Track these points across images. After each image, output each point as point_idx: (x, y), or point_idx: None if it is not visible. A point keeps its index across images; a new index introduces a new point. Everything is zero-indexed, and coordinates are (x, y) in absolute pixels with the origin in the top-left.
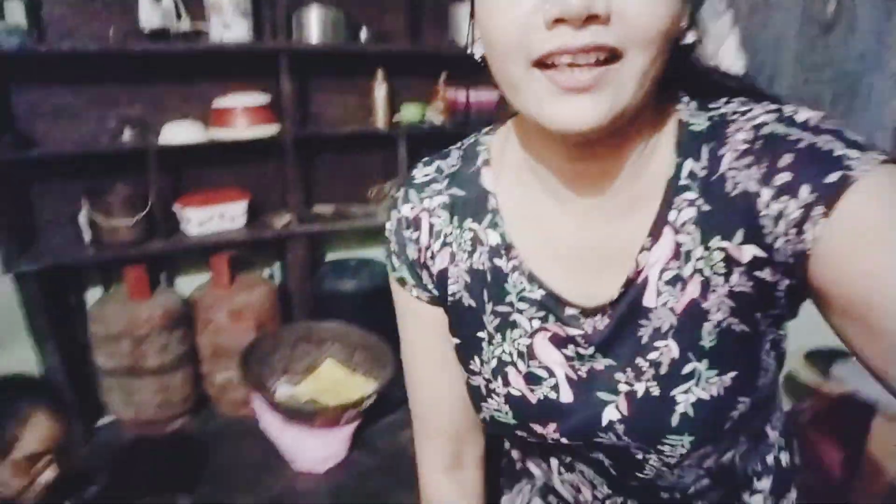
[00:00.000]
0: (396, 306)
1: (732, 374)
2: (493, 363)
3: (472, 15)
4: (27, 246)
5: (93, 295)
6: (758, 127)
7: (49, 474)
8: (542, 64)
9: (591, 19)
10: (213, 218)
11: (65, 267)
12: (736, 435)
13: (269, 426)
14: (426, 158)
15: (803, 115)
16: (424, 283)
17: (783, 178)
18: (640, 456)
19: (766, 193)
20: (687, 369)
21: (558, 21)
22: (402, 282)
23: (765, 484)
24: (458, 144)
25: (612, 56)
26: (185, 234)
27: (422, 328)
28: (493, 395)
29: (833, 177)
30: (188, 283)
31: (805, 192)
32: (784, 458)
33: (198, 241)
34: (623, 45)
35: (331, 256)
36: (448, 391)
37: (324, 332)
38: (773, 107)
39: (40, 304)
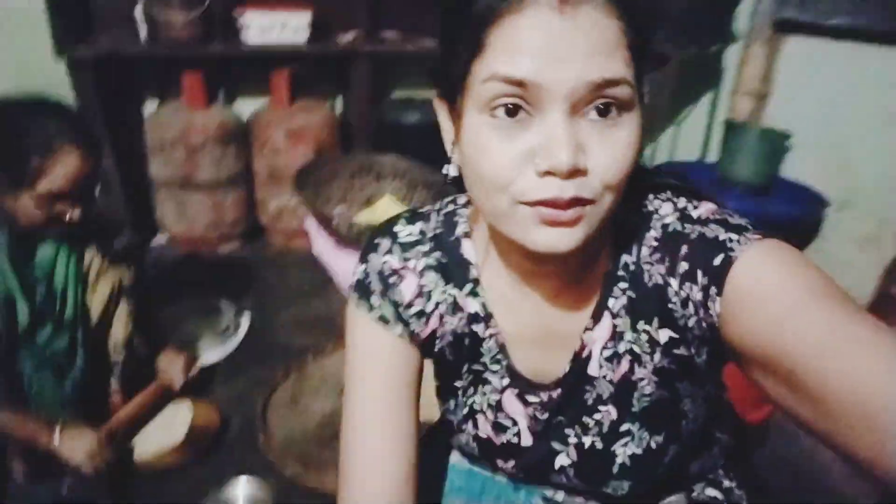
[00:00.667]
0: (356, 348)
1: (661, 432)
2: (465, 410)
3: (455, 139)
4: (83, 36)
5: (150, 107)
6: (665, 226)
7: (76, 213)
8: (528, 201)
9: (576, 173)
10: (274, 27)
11: (121, 60)
12: (669, 474)
13: (321, 249)
14: (406, 214)
15: (699, 210)
16: (411, 327)
17: (683, 267)
18: (585, 497)
19: (674, 283)
20: (623, 428)
21: (547, 173)
22: (382, 320)
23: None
24: (437, 207)
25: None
26: (245, 42)
27: (388, 373)
28: (463, 433)
29: (718, 260)
30: (247, 105)
31: (700, 276)
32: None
33: (258, 49)
34: (598, 191)
35: (396, 96)
36: (396, 445)
37: (384, 166)
38: (680, 205)
39: (95, 98)
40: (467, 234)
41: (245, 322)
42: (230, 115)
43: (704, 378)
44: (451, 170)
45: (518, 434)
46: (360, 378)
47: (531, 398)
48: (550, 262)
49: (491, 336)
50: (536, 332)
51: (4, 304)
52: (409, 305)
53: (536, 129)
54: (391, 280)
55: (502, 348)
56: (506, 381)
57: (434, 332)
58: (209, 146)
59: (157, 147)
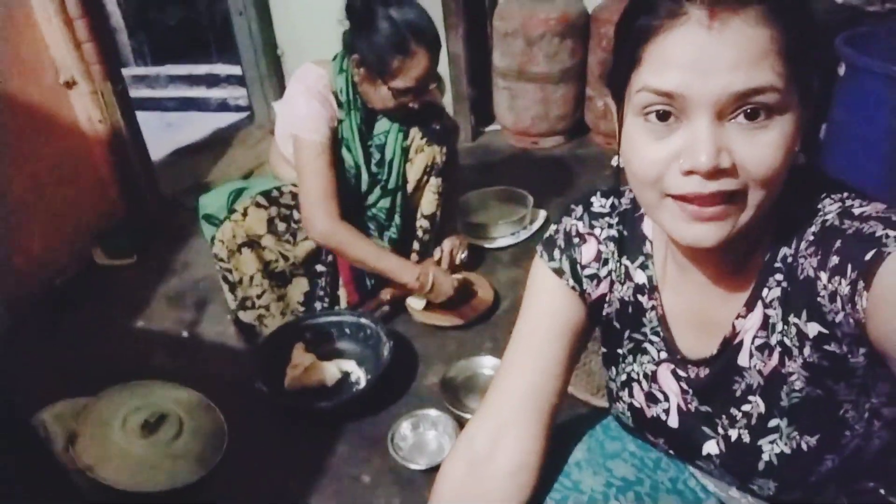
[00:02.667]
0: (532, 286)
1: (814, 433)
2: (623, 377)
3: (619, 131)
4: None
5: None
6: (824, 222)
7: (416, 104)
8: (674, 195)
9: (718, 172)
10: None
11: None
12: (826, 485)
13: None
14: (604, 190)
15: (862, 208)
16: (583, 285)
17: (834, 260)
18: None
19: (823, 276)
20: (772, 423)
21: (691, 172)
22: (558, 272)
23: None
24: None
25: (735, 193)
26: None
27: (553, 312)
28: (621, 401)
29: (869, 254)
30: (594, 0)
31: (849, 270)
32: None
33: None
34: (746, 186)
35: None
36: (541, 375)
37: None
38: (846, 203)
39: None
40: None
41: (542, 216)
42: (574, 7)
43: (867, 385)
44: (616, 161)
45: (667, 411)
46: (528, 313)
47: (682, 372)
48: (705, 251)
49: (653, 308)
50: (694, 313)
51: (353, 171)
52: (586, 266)
53: (683, 132)
54: (575, 241)
55: (662, 321)
56: (663, 353)
57: (604, 296)
58: (547, 39)
59: (501, 36)
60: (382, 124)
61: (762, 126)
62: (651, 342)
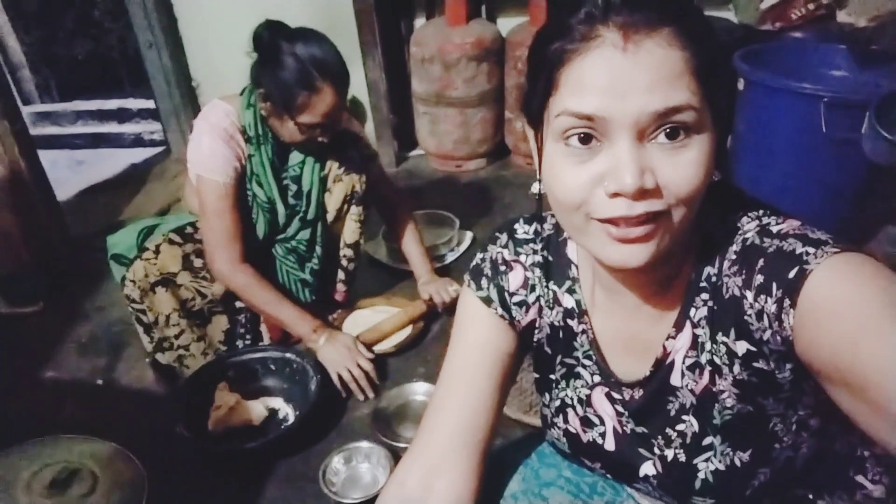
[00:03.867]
0: (462, 316)
1: (747, 449)
2: (557, 402)
3: (539, 157)
4: None
5: (419, 24)
6: (745, 240)
7: (325, 137)
8: (600, 218)
9: (644, 193)
10: None
11: None
12: (760, 498)
13: None
14: (527, 216)
15: (779, 226)
16: (512, 312)
17: (758, 279)
18: None
19: (749, 295)
20: (706, 442)
21: (616, 195)
22: (486, 301)
23: None
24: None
25: (659, 212)
26: None
27: (483, 343)
28: (555, 427)
29: (793, 272)
30: (507, 24)
31: (774, 288)
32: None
33: None
34: (669, 206)
35: None
36: (473, 410)
37: None
38: (763, 221)
39: (373, 14)
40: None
41: (468, 238)
42: (489, 30)
43: (794, 398)
44: (537, 188)
45: (603, 435)
46: (458, 345)
47: (616, 395)
48: (632, 273)
49: (584, 332)
50: (624, 335)
51: (268, 205)
52: (514, 294)
53: (606, 155)
54: (501, 269)
55: (593, 345)
56: (596, 377)
57: (533, 322)
58: (463, 63)
59: (418, 63)
60: (297, 155)
61: (682, 145)
62: (584, 366)
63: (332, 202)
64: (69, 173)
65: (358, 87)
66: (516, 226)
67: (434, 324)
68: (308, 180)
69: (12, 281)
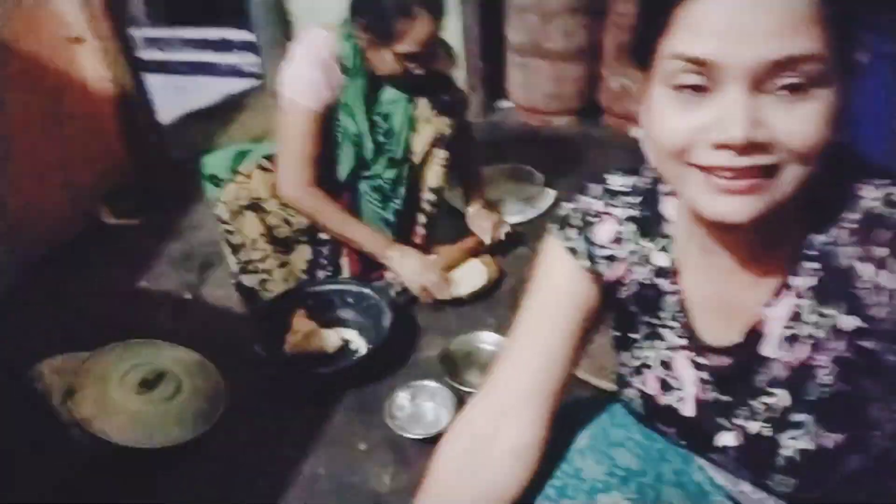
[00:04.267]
0: (544, 266)
1: (840, 431)
2: (636, 363)
3: (644, 106)
4: None
5: None
6: (866, 210)
7: (421, 69)
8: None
9: (752, 147)
10: None
11: None
12: (847, 485)
13: None
14: (624, 168)
15: None
16: (599, 266)
17: (881, 252)
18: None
19: (868, 269)
20: (796, 418)
21: (722, 146)
22: (572, 252)
23: None
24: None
25: (769, 167)
26: None
27: (564, 295)
28: (632, 387)
29: None
30: None
31: None
32: None
33: None
34: (781, 162)
35: None
36: (548, 358)
37: None
38: (890, 191)
39: None
40: (672, 193)
41: (551, 196)
42: None
43: None
44: (638, 132)
45: (682, 400)
46: (538, 293)
47: (702, 360)
48: (733, 231)
49: (673, 293)
50: (717, 299)
51: (356, 139)
52: (603, 247)
53: (715, 103)
54: (592, 220)
55: (682, 306)
56: (680, 340)
57: (620, 279)
58: (561, 15)
59: (515, 10)
60: (390, 93)
61: (802, 98)
62: (669, 328)
63: (419, 143)
64: (171, 97)
65: (452, 34)
66: (611, 177)
67: (508, 278)
68: (399, 119)
69: (118, 194)
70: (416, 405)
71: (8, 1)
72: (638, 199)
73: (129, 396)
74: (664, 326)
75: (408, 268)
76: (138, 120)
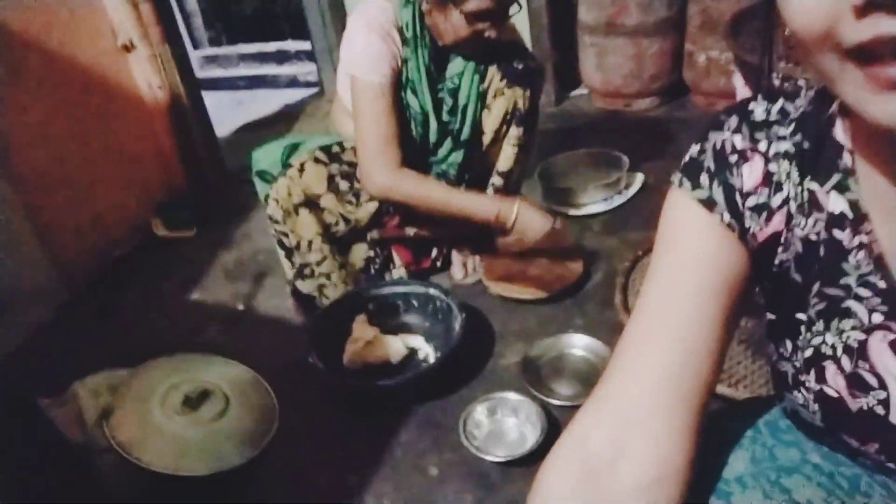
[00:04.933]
0: (668, 229)
1: None
2: (808, 352)
3: None
4: None
5: None
6: None
7: (493, 32)
8: (858, 55)
9: None
10: None
11: None
12: None
13: None
14: (768, 93)
15: None
16: (745, 220)
17: None
18: None
19: None
20: None
21: (868, 9)
22: (708, 203)
23: None
24: (810, 84)
25: None
26: None
27: (702, 262)
28: (801, 388)
29: None
30: None
31: None
32: None
33: None
34: None
35: None
36: (686, 350)
37: None
38: None
39: None
40: (844, 112)
41: (638, 181)
42: None
43: None
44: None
45: (887, 403)
46: (663, 264)
47: None
48: None
49: (861, 246)
50: None
51: (421, 118)
52: (749, 194)
53: None
54: (731, 160)
55: (878, 264)
56: (879, 315)
57: (777, 235)
58: None
59: None
60: (456, 65)
61: None
62: (859, 298)
63: (491, 121)
64: (229, 112)
65: (519, 18)
66: (752, 104)
67: (597, 272)
68: (466, 93)
69: (170, 206)
70: (496, 421)
71: (56, 7)
72: (792, 128)
73: (171, 417)
74: (851, 297)
75: (526, 221)
76: (192, 129)
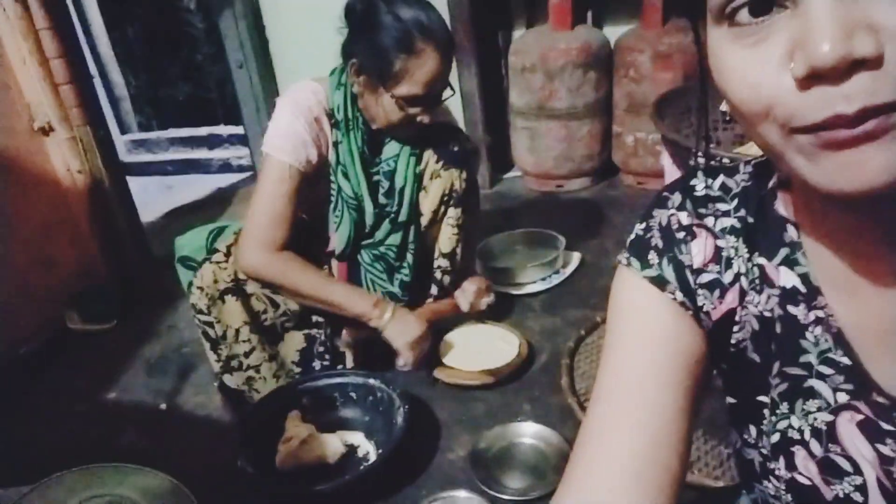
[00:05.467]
0: (620, 312)
1: None
2: (775, 437)
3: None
4: None
5: (518, 34)
6: None
7: (426, 117)
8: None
9: (855, 66)
10: None
11: None
12: None
13: None
14: (707, 169)
15: None
16: (698, 299)
17: None
18: None
19: None
20: None
21: (811, 79)
22: (659, 282)
23: None
24: (748, 159)
25: None
26: None
27: (659, 342)
28: (771, 477)
29: None
30: (614, 31)
31: None
32: None
33: None
34: None
35: None
36: (653, 436)
37: None
38: None
39: (468, 22)
40: (784, 185)
41: (575, 260)
42: (595, 38)
43: None
44: (725, 105)
45: (864, 489)
46: (620, 347)
47: (884, 424)
48: (879, 212)
49: (818, 321)
50: (884, 322)
51: (354, 202)
52: (700, 271)
53: (791, 21)
54: (679, 236)
55: (838, 339)
56: (844, 394)
57: (731, 312)
58: (568, 71)
59: (518, 73)
60: (392, 147)
61: None
62: (821, 376)
63: (428, 203)
64: (158, 197)
65: (452, 101)
66: (693, 181)
67: (541, 354)
68: (402, 175)
69: (88, 297)
70: None
71: None
72: (735, 203)
73: None
74: (813, 376)
75: (401, 328)
76: (114, 213)
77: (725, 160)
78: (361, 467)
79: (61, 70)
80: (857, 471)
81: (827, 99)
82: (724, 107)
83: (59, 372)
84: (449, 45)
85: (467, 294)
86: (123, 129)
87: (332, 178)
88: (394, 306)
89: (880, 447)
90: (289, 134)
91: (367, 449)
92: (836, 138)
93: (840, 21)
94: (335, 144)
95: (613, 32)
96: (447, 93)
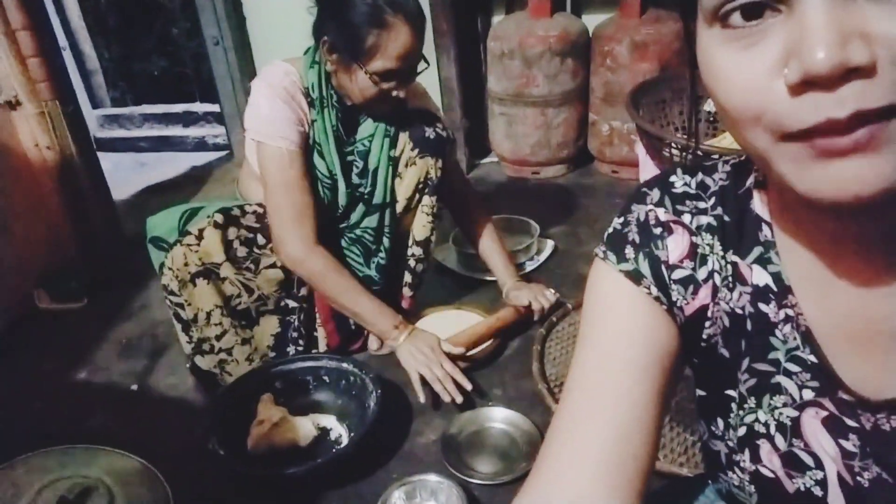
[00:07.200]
0: (595, 304)
1: None
2: (742, 431)
3: (692, 63)
4: None
5: (497, 20)
6: None
7: (402, 91)
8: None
9: (849, 74)
10: None
11: None
12: None
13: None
14: (686, 166)
15: None
16: (672, 293)
17: None
18: None
19: None
20: None
21: (805, 85)
22: (634, 276)
23: None
24: (727, 158)
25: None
26: None
27: (633, 335)
28: (736, 468)
29: None
30: (594, 19)
31: None
32: None
33: None
34: None
35: None
36: (624, 427)
37: None
38: None
39: (448, 7)
40: (761, 185)
41: (549, 247)
42: (573, 26)
43: None
44: (711, 105)
45: (824, 483)
46: (593, 340)
47: (849, 420)
48: (860, 217)
49: (788, 320)
50: (854, 322)
51: (330, 183)
52: (675, 267)
53: (785, 27)
54: (656, 231)
55: (806, 338)
56: (809, 391)
57: (704, 308)
58: (546, 58)
59: (496, 58)
60: (366, 127)
61: None
62: (789, 373)
63: (403, 189)
64: (131, 174)
65: (431, 87)
66: (673, 178)
67: (513, 340)
68: (376, 157)
69: (58, 276)
70: None
71: None
72: (712, 202)
73: None
74: (781, 373)
75: (411, 354)
76: (85, 191)
77: (699, 152)
78: (333, 450)
79: (28, 42)
80: (819, 465)
81: (819, 104)
82: (709, 106)
83: (27, 351)
84: (419, 16)
85: (541, 298)
86: (95, 104)
87: (311, 156)
88: (411, 330)
89: (843, 443)
90: (274, 118)
91: (340, 432)
92: (829, 147)
93: (835, 28)
94: (312, 123)
95: (592, 21)
96: (421, 65)
